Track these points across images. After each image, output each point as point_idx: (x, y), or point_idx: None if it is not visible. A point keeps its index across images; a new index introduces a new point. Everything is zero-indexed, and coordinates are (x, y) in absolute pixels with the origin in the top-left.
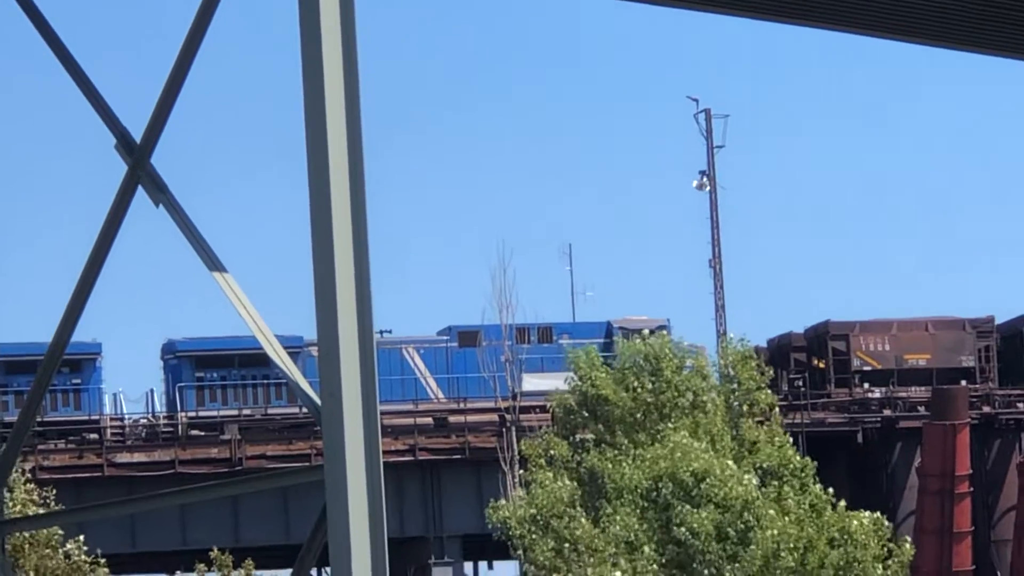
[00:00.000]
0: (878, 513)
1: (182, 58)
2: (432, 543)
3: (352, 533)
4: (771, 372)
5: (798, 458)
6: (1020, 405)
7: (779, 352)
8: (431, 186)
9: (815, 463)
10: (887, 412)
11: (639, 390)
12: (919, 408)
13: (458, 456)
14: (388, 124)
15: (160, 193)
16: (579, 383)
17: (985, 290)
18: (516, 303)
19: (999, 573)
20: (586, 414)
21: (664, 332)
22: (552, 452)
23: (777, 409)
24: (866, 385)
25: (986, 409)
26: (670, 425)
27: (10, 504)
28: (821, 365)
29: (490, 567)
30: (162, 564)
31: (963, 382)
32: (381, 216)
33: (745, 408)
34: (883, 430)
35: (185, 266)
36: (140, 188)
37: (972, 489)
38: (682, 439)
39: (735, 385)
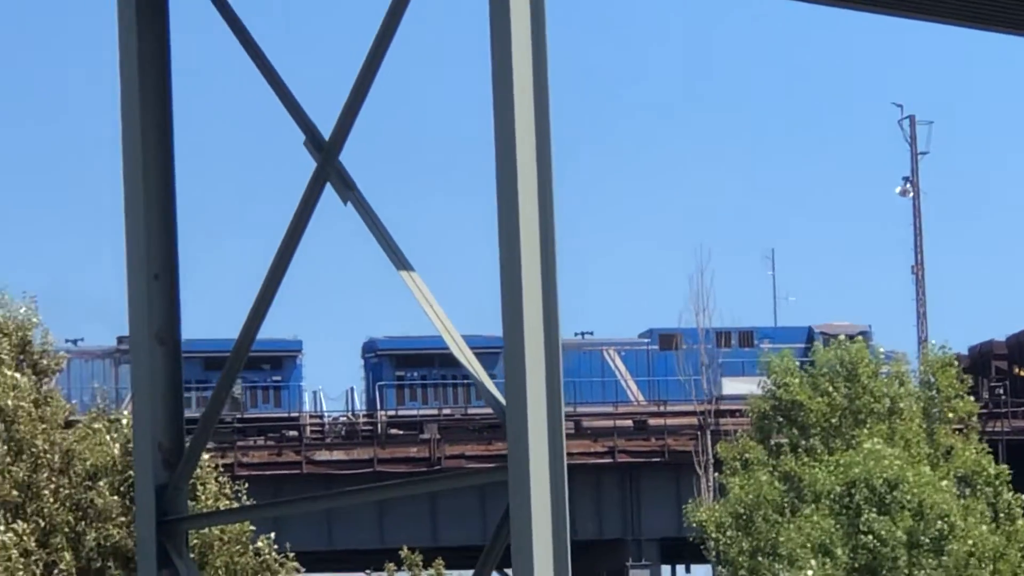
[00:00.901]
0: None
1: (372, 55)
2: (630, 546)
3: (534, 534)
4: (970, 380)
5: (992, 465)
6: None
7: (980, 359)
8: (635, 190)
9: (1011, 470)
10: None
11: (834, 395)
12: None
13: (657, 459)
14: (595, 126)
15: (348, 190)
16: (774, 388)
17: None
18: (713, 307)
19: None
20: (781, 419)
21: (862, 338)
22: (747, 455)
23: (976, 416)
24: None
25: None
26: (864, 431)
27: (202, 498)
28: (1022, 373)
29: (688, 571)
30: (358, 563)
31: None
32: (583, 219)
33: (943, 415)
34: None
35: (378, 265)
36: (328, 186)
37: None
38: (875, 445)
39: (934, 392)
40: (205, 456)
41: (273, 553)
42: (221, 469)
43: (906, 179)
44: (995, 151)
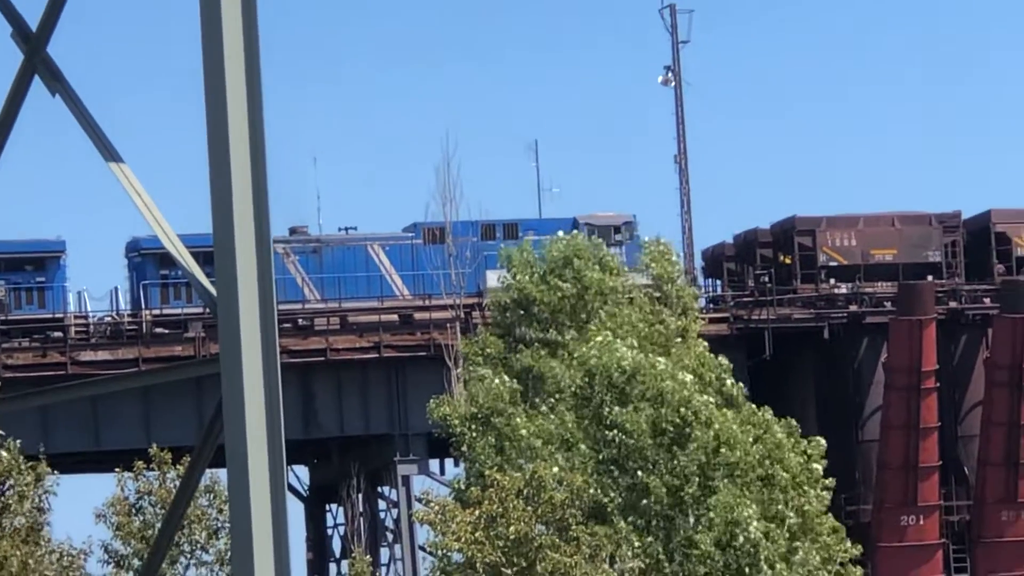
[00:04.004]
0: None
1: None
2: (397, 440)
3: (248, 429)
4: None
5: (712, 357)
6: (986, 300)
7: (745, 248)
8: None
9: (731, 364)
10: (853, 307)
11: (563, 287)
12: (885, 304)
13: (423, 354)
14: (330, 14)
15: (56, 82)
16: (512, 281)
17: (952, 184)
18: (461, 197)
19: (966, 468)
20: (521, 312)
21: (626, 227)
22: (489, 350)
23: (698, 305)
24: (832, 280)
25: (952, 304)
26: (592, 325)
27: None
28: (787, 261)
29: (456, 464)
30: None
31: (929, 277)
32: (329, 107)
33: (675, 302)
34: (849, 326)
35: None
36: (36, 78)
37: (938, 384)
38: (606, 338)
39: (659, 282)
40: None
41: (17, 454)
42: None
43: (668, 68)
44: (758, 40)
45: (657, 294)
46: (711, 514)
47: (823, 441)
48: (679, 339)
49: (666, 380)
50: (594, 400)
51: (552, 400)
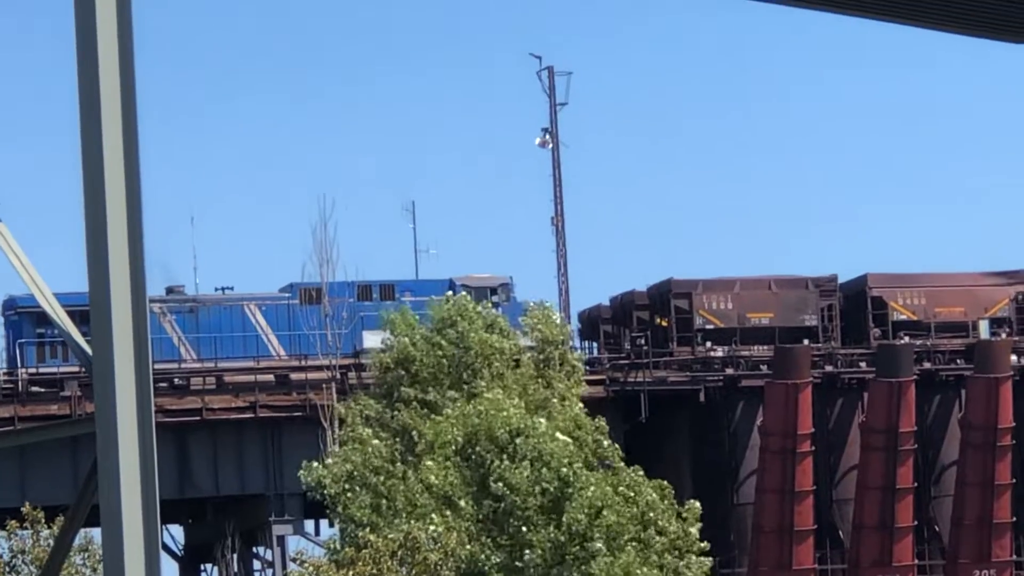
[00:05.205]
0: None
1: None
2: (272, 500)
3: (123, 487)
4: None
5: (588, 419)
6: (862, 364)
7: (622, 310)
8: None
9: (605, 422)
10: (729, 370)
11: (446, 347)
12: (762, 367)
13: (299, 413)
14: (197, 77)
15: None
16: (394, 341)
17: (828, 249)
18: (337, 258)
19: (840, 532)
20: (403, 372)
21: (502, 289)
22: (367, 412)
23: (581, 366)
24: (709, 344)
25: (828, 368)
26: (481, 383)
27: None
28: (664, 323)
29: (331, 525)
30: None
31: (806, 341)
32: (205, 167)
33: (558, 365)
34: (725, 388)
35: None
36: None
37: (814, 448)
38: (495, 396)
39: (544, 344)
40: None
41: None
42: None
43: (545, 130)
44: (635, 103)
45: (541, 356)
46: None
47: (698, 504)
48: (556, 400)
49: (547, 442)
50: (474, 458)
51: (431, 457)
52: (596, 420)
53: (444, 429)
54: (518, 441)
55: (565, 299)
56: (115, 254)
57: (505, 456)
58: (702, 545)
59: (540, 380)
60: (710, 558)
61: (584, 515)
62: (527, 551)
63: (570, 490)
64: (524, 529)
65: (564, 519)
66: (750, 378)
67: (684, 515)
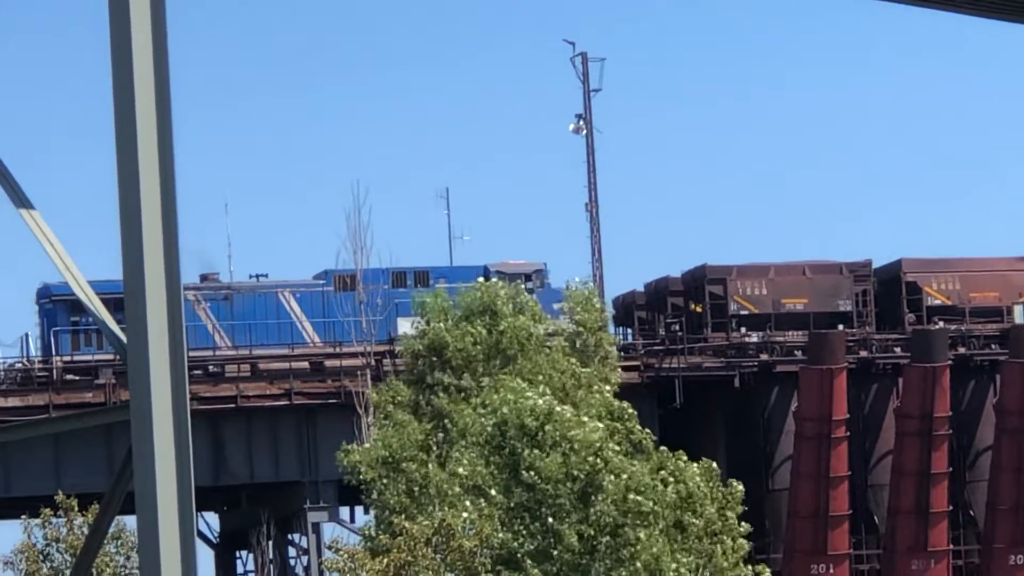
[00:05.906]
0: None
1: None
2: (307, 487)
3: (158, 476)
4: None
5: (617, 403)
6: (897, 350)
7: (656, 296)
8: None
9: (635, 411)
10: (764, 356)
11: (476, 333)
12: (796, 352)
13: (334, 401)
14: (241, 65)
15: None
16: (425, 327)
17: (862, 234)
18: (372, 245)
19: (876, 517)
20: (435, 359)
21: (537, 275)
22: (399, 398)
23: (615, 350)
24: (743, 329)
25: (863, 353)
26: (507, 370)
27: None
28: (698, 309)
29: (366, 512)
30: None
31: (840, 326)
32: (240, 154)
33: (589, 349)
34: (760, 374)
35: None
36: None
37: (849, 433)
38: (517, 385)
39: (582, 329)
40: None
41: None
42: None
43: (579, 116)
44: (671, 88)
45: (577, 343)
46: (637, 563)
47: (741, 487)
48: (589, 386)
49: (575, 428)
50: (506, 447)
51: (462, 445)
52: (622, 404)
53: (473, 419)
54: (547, 428)
55: (599, 285)
56: (149, 241)
57: (534, 444)
58: (742, 528)
59: (575, 364)
60: (750, 542)
61: (613, 504)
62: (558, 543)
63: (600, 477)
64: (551, 520)
65: (591, 512)
66: (785, 364)
67: (727, 498)
